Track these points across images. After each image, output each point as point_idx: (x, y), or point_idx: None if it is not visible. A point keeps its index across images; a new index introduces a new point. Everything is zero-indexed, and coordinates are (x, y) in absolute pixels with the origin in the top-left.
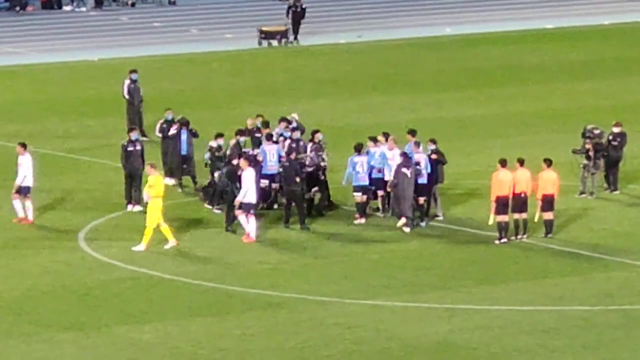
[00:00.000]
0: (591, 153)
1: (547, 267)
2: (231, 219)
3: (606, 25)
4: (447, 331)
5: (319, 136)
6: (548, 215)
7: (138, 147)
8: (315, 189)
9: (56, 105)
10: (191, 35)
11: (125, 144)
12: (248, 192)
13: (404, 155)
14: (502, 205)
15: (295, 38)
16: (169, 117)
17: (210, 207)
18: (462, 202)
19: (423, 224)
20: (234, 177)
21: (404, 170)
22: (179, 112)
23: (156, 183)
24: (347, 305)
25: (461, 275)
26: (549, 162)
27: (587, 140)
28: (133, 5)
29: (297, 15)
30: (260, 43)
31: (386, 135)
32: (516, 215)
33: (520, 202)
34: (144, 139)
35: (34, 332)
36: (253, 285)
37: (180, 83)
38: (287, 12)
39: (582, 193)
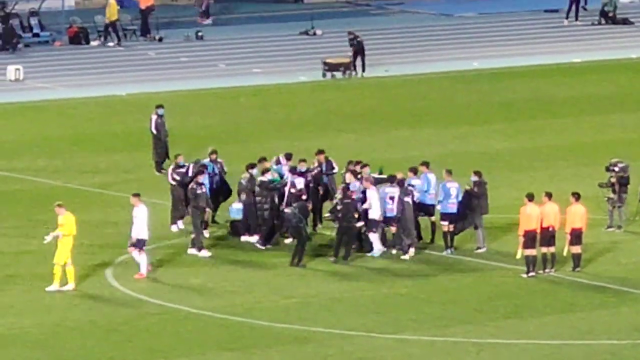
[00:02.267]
0: (616, 187)
1: (575, 301)
2: (300, 255)
3: (634, 59)
4: None
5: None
6: (576, 249)
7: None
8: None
9: (84, 140)
10: (219, 70)
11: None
12: (142, 228)
13: (401, 183)
14: (530, 239)
15: (363, 70)
16: (180, 163)
17: (248, 238)
18: (490, 236)
19: (448, 252)
20: (306, 213)
21: (406, 199)
22: (206, 146)
23: (67, 222)
24: (375, 340)
25: (489, 309)
26: (577, 196)
27: (612, 174)
28: (160, 40)
29: (356, 49)
30: (324, 75)
31: (426, 164)
32: (544, 249)
33: (548, 236)
34: (158, 174)
35: None
36: (280, 320)
37: (208, 117)
38: (350, 45)
39: (609, 227)
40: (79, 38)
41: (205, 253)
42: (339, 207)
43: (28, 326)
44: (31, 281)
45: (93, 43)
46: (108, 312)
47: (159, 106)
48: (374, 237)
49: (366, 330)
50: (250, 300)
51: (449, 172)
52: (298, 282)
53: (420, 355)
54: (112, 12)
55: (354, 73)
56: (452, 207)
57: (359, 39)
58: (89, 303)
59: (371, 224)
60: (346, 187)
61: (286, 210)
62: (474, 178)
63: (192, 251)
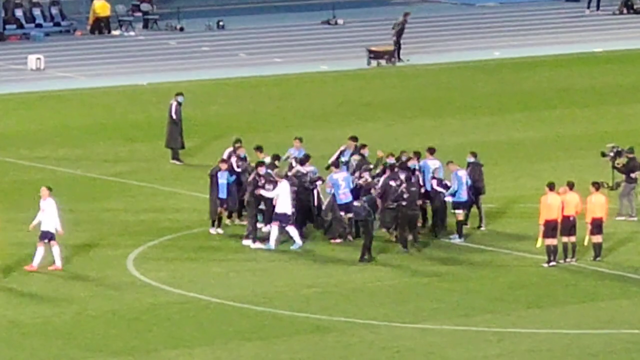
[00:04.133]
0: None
1: (596, 291)
2: (368, 250)
3: None
4: (496, 355)
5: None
6: (597, 239)
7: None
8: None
9: (105, 130)
10: (240, 60)
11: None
12: (53, 221)
13: (392, 168)
14: (550, 229)
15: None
16: (242, 155)
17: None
18: (511, 225)
19: (459, 240)
20: (375, 207)
21: (391, 182)
22: (229, 136)
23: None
24: (396, 329)
25: (510, 298)
26: (597, 186)
27: (621, 159)
28: (182, 29)
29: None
30: (369, 63)
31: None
32: (565, 239)
33: (569, 226)
34: (178, 163)
35: (83, 357)
36: (301, 309)
37: (230, 107)
38: (397, 31)
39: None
40: (99, 27)
41: (259, 244)
42: (405, 195)
43: (49, 315)
44: (52, 271)
45: (114, 32)
46: (129, 302)
47: (179, 94)
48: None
49: (387, 320)
50: (271, 290)
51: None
52: (319, 272)
53: (441, 345)
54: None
55: (397, 61)
56: (464, 196)
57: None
58: (110, 292)
59: (277, 217)
60: (411, 174)
61: (355, 203)
62: (470, 159)
63: (246, 242)
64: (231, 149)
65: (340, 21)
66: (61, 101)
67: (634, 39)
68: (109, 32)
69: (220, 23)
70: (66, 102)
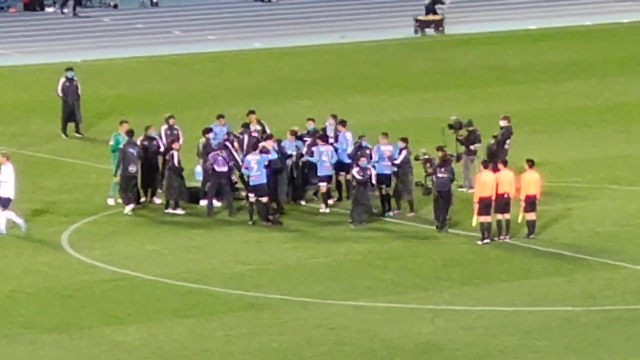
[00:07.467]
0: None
1: (530, 268)
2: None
3: (588, 25)
4: (430, 332)
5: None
6: (530, 216)
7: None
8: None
9: (39, 107)
10: (174, 37)
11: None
12: (10, 187)
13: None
14: (485, 206)
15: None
16: (152, 135)
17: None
18: None
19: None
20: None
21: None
22: (162, 113)
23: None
24: (330, 306)
25: (444, 276)
26: (531, 163)
27: (461, 131)
28: (115, 7)
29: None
30: (416, 32)
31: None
32: (499, 216)
33: (503, 203)
34: (78, 135)
35: (17, 333)
36: (236, 287)
37: (164, 84)
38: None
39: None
40: (33, 4)
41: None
42: (440, 175)
43: None
44: None
45: (48, 10)
46: (63, 279)
47: (69, 69)
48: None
49: (322, 297)
50: (205, 267)
51: (385, 134)
52: (254, 249)
53: (375, 322)
54: None
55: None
56: (328, 170)
57: None
58: (44, 270)
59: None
60: (445, 155)
61: (439, 175)
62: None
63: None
64: (165, 125)
65: None
66: None
67: (568, 17)
68: (43, 9)
69: (154, 0)
70: (0, 79)
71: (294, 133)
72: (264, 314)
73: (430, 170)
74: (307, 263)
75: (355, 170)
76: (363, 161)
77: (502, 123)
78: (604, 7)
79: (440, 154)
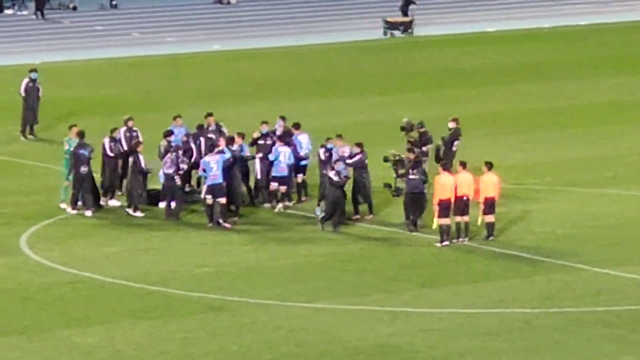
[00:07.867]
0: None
1: (488, 270)
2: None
3: (546, 28)
4: (388, 334)
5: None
6: (489, 218)
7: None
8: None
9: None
10: (133, 39)
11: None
12: None
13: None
14: (444, 209)
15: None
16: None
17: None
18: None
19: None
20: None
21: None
22: (120, 115)
23: None
24: (290, 309)
25: (403, 278)
26: (490, 165)
27: (413, 133)
28: (75, 9)
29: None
30: (385, 34)
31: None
32: (458, 218)
33: (462, 205)
34: (32, 137)
35: None
36: (195, 289)
37: (122, 86)
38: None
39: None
40: None
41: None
42: (412, 177)
43: None
44: None
45: (7, 11)
46: (22, 281)
47: (33, 70)
48: None
49: (281, 300)
50: (165, 270)
51: (340, 136)
52: (213, 251)
53: (334, 324)
54: None
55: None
56: (283, 171)
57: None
58: (2, 272)
59: None
60: (417, 156)
61: (411, 177)
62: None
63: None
64: (124, 127)
65: (232, 0)
66: None
67: (526, 19)
68: (2, 10)
69: (113, 2)
70: None
71: (241, 135)
72: (223, 316)
73: (401, 172)
74: (267, 265)
75: (332, 173)
76: (339, 165)
77: (451, 125)
78: (562, 10)
79: (411, 155)
